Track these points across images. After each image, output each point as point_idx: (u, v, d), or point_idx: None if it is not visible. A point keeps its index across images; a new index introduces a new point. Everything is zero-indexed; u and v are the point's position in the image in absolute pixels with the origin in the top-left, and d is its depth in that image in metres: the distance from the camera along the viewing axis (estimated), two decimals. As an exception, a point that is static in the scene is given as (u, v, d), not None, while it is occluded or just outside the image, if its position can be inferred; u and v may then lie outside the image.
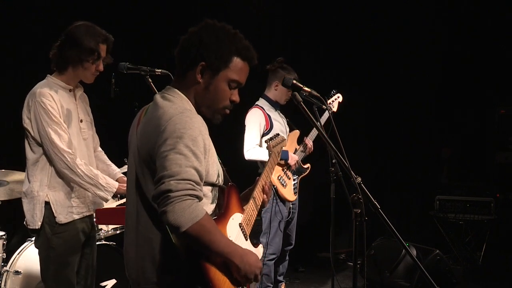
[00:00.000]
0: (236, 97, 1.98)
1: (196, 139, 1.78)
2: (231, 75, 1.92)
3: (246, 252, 1.88)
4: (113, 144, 3.33)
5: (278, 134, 2.63)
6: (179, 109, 1.83)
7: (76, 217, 2.85)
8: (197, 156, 1.77)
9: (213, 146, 1.93)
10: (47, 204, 2.79)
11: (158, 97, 1.94)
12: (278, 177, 4.09)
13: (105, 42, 2.86)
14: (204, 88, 1.92)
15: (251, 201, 2.16)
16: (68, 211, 2.82)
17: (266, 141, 2.49)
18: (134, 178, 1.93)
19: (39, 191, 2.79)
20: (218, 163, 2.00)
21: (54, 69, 2.89)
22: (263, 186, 2.22)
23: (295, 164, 4.14)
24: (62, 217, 2.80)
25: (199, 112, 1.93)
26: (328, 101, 4.45)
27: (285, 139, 2.64)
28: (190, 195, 1.71)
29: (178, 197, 1.69)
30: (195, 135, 1.78)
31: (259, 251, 2.16)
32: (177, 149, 1.74)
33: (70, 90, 2.91)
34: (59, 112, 2.79)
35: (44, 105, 2.73)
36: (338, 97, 4.52)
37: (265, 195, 2.23)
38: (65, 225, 2.81)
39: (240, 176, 2.48)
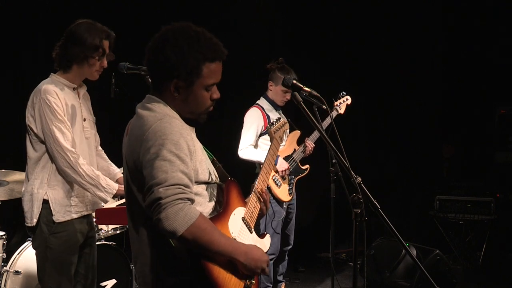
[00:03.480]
0: (216, 95, 1.96)
1: (178, 142, 1.78)
2: (206, 81, 1.90)
3: (250, 248, 1.89)
4: (113, 144, 3.32)
5: (279, 118, 2.62)
6: (158, 116, 1.83)
7: (74, 216, 2.84)
8: (182, 159, 1.77)
9: (199, 146, 1.93)
10: (45, 202, 2.79)
11: (138, 108, 1.94)
12: (272, 177, 4.08)
13: (107, 38, 2.86)
14: (183, 100, 1.91)
15: (252, 193, 2.16)
16: (66, 210, 2.81)
17: (267, 127, 2.48)
18: (127, 190, 1.94)
19: (39, 189, 2.79)
20: (208, 160, 2.00)
21: (57, 68, 2.89)
22: (260, 191, 2.20)
23: (283, 171, 4.12)
24: (59, 216, 2.79)
25: (182, 117, 1.92)
26: (336, 103, 4.47)
27: (287, 122, 2.63)
28: (180, 198, 1.72)
29: (168, 203, 1.69)
30: (176, 138, 1.78)
31: (266, 242, 2.17)
32: (161, 156, 1.74)
33: (74, 89, 2.91)
34: (63, 110, 2.79)
35: (49, 102, 2.74)
36: (347, 99, 4.51)
37: (263, 204, 2.21)
38: (62, 225, 2.81)
39: (240, 172, 2.48)
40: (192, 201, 1.77)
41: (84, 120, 2.95)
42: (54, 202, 2.79)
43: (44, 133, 2.76)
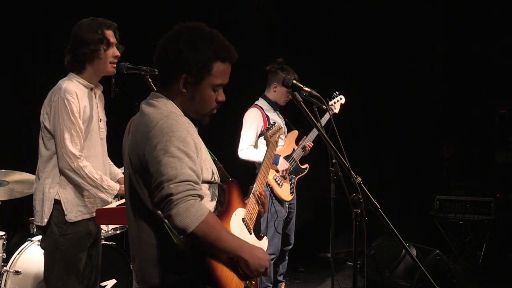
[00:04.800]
0: (221, 97, 1.97)
1: (186, 139, 1.78)
2: (215, 80, 1.91)
3: (253, 246, 1.90)
4: (113, 144, 3.33)
5: (274, 123, 2.66)
6: (164, 113, 1.83)
7: (86, 216, 2.85)
8: (190, 156, 1.77)
9: (203, 145, 1.94)
10: (57, 203, 2.79)
11: (143, 104, 1.94)
12: (274, 177, 4.09)
13: (109, 28, 2.87)
14: (189, 98, 1.92)
15: (252, 195, 2.18)
16: (78, 210, 2.82)
17: (263, 132, 2.52)
18: (129, 187, 1.93)
19: (50, 189, 2.79)
20: (211, 160, 2.00)
21: (71, 72, 2.89)
22: (258, 194, 2.22)
23: (283, 171, 4.13)
24: (72, 216, 2.80)
25: (187, 117, 1.92)
26: (330, 103, 4.46)
27: (281, 128, 2.70)
28: (191, 195, 1.72)
29: (180, 199, 1.69)
30: (184, 135, 1.78)
31: (264, 243, 2.20)
32: (169, 153, 1.74)
33: (91, 89, 2.91)
34: (80, 111, 2.79)
35: (67, 102, 2.74)
36: (341, 98, 4.52)
37: (261, 206, 2.22)
38: (73, 226, 2.81)
39: (239, 172, 2.49)
40: (201, 197, 1.77)
41: (100, 120, 2.96)
42: (66, 202, 2.79)
43: (55, 131, 2.77)
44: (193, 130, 1.85)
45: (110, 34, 2.86)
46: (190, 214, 1.69)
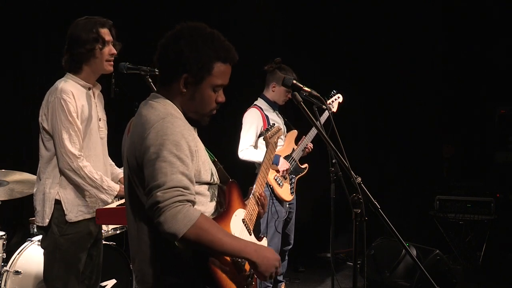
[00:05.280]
0: (221, 98, 1.97)
1: (179, 143, 1.77)
2: (215, 81, 1.91)
3: (260, 247, 1.87)
4: (113, 144, 3.33)
5: (273, 124, 2.66)
6: (160, 115, 1.83)
7: (87, 216, 2.85)
8: (182, 160, 1.76)
9: (202, 146, 1.93)
10: (58, 203, 2.79)
11: (141, 105, 1.94)
12: (274, 177, 4.10)
13: (104, 26, 2.86)
14: (189, 98, 1.92)
15: (251, 196, 2.18)
16: (78, 209, 2.82)
17: (262, 133, 2.52)
18: (128, 188, 1.93)
19: (50, 189, 2.79)
20: (210, 161, 2.00)
21: (69, 72, 2.88)
22: (258, 195, 2.22)
23: (284, 171, 4.14)
24: (72, 216, 2.80)
25: (186, 117, 1.92)
26: (328, 102, 4.46)
27: (281, 129, 2.71)
28: (179, 201, 1.70)
29: (167, 206, 1.68)
30: (177, 139, 1.77)
31: (263, 244, 2.18)
32: (162, 157, 1.74)
33: (89, 89, 2.91)
34: (77, 111, 2.78)
35: (63, 102, 2.74)
36: (338, 97, 4.52)
37: (260, 207, 2.22)
38: (73, 226, 2.81)
39: (239, 173, 2.49)
40: (192, 202, 1.75)
41: (100, 120, 2.95)
42: (66, 202, 2.80)
43: (53, 132, 2.77)
44: (188, 133, 1.83)
45: (105, 32, 2.86)
46: (177, 220, 1.67)
